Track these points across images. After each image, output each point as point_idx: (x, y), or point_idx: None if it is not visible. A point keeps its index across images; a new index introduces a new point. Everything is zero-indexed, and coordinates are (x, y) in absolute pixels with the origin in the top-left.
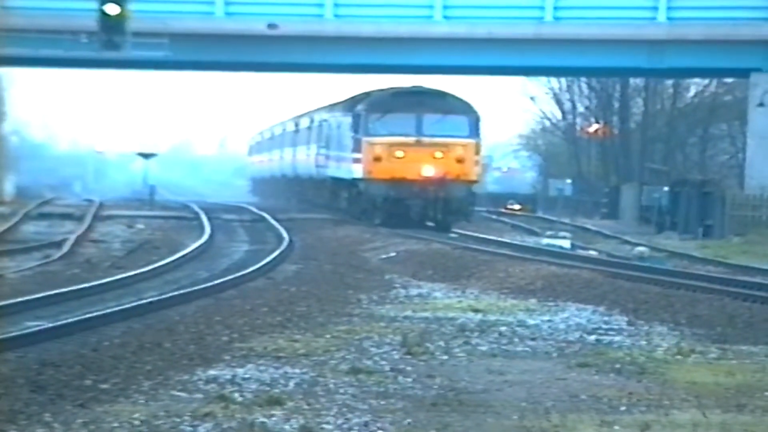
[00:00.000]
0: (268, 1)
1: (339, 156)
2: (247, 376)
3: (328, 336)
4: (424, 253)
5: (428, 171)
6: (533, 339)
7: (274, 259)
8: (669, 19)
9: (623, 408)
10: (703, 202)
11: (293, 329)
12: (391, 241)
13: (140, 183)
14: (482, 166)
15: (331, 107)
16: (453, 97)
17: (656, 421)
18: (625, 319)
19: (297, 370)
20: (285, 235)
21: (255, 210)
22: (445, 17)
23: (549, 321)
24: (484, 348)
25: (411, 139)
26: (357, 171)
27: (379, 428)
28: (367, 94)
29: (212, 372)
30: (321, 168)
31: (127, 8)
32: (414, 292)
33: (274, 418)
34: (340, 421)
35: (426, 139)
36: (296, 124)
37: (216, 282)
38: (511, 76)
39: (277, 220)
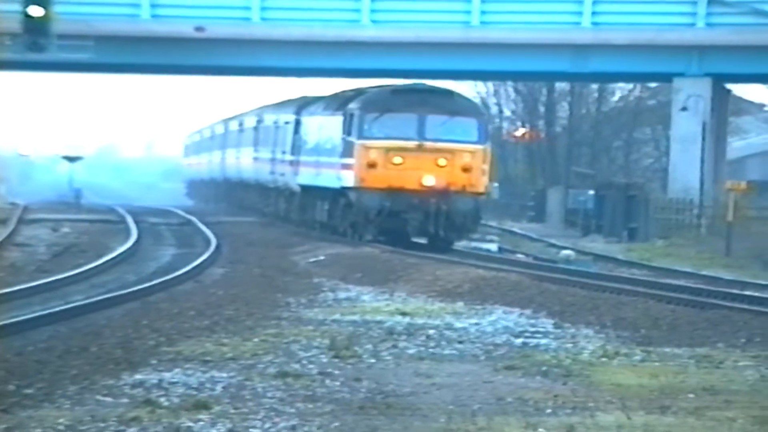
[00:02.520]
0: (195, 4)
1: (318, 161)
2: (173, 380)
3: (255, 339)
4: (353, 256)
5: (430, 180)
6: (460, 342)
7: (202, 262)
8: (594, 23)
9: (549, 410)
10: (628, 205)
11: (221, 333)
12: (319, 245)
13: (66, 186)
14: (490, 175)
15: (302, 106)
16: (460, 96)
17: (581, 423)
18: (552, 321)
19: (224, 374)
20: (213, 238)
21: (182, 213)
22: (373, 21)
23: (476, 324)
24: (411, 351)
25: (411, 144)
26: (347, 179)
27: None
28: (359, 91)
29: (139, 376)
30: (279, 175)
31: (52, 10)
32: (342, 295)
33: (200, 423)
34: (267, 425)
35: (429, 144)
36: (240, 124)
37: (143, 286)
38: (438, 79)
39: (205, 224)
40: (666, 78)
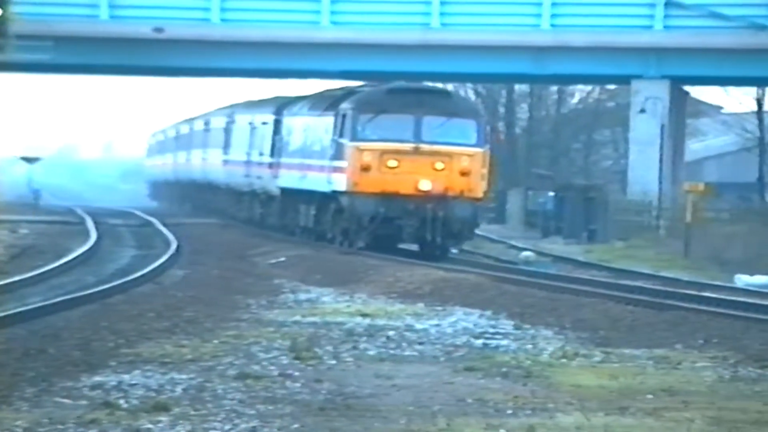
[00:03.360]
0: (155, 5)
1: (304, 164)
2: (133, 382)
3: (215, 341)
4: (313, 257)
5: (426, 185)
6: (421, 343)
7: (162, 264)
8: (553, 26)
9: (509, 411)
10: (587, 207)
11: (181, 334)
12: (280, 246)
13: (24, 187)
14: (489, 180)
15: (283, 106)
16: (458, 97)
17: (541, 424)
18: (512, 323)
19: (184, 376)
20: (173, 240)
21: (142, 215)
22: (333, 23)
23: (437, 325)
24: (372, 352)
25: (407, 146)
26: (338, 182)
27: None
28: (350, 91)
29: (98, 378)
30: (256, 178)
31: (10, 10)
32: (303, 296)
33: (160, 425)
34: (227, 427)
35: (425, 147)
36: (206, 123)
37: (102, 287)
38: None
39: (165, 225)
40: (624, 80)
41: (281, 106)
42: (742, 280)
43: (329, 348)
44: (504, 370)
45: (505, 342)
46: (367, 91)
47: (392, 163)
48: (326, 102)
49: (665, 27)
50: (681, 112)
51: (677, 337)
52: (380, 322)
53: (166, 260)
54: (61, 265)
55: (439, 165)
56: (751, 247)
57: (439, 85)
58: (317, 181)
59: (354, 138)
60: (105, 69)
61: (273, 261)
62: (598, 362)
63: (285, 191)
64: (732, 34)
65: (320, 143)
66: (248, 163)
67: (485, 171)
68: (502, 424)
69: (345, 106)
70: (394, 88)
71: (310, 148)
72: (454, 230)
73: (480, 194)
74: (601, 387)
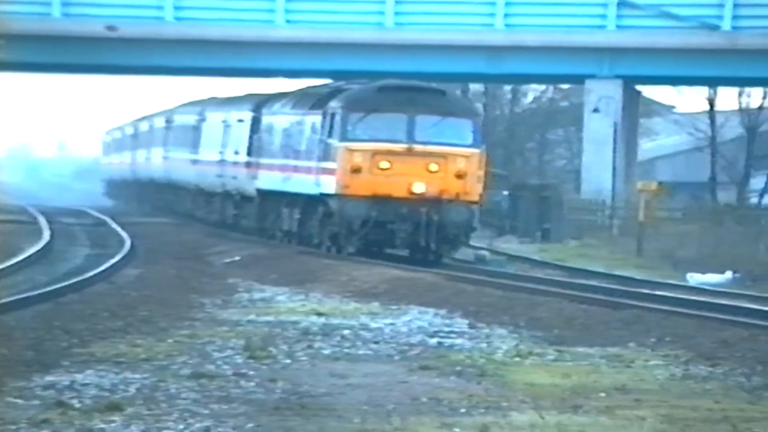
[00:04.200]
0: (107, 3)
1: (287, 165)
2: (86, 381)
3: (170, 340)
4: (269, 257)
5: (420, 188)
6: (376, 342)
7: (116, 263)
8: (507, 25)
9: (463, 410)
10: (542, 206)
11: (135, 334)
12: (235, 245)
13: None
14: (485, 182)
15: (262, 103)
16: (453, 95)
17: (495, 423)
18: (466, 321)
19: (138, 375)
20: (127, 239)
21: (97, 214)
22: (288, 21)
23: (391, 324)
24: (327, 351)
25: (400, 147)
26: (327, 185)
27: None
28: (338, 89)
29: (50, 378)
30: (231, 178)
31: None
32: (258, 296)
33: (113, 424)
34: (181, 426)
35: (419, 147)
36: (168, 121)
37: (55, 286)
38: (353, 79)
39: (120, 224)
40: (578, 80)
41: (259, 103)
42: (695, 278)
43: (284, 347)
44: (458, 368)
45: (459, 341)
46: (357, 89)
47: (384, 164)
48: (311, 100)
49: (618, 27)
50: (634, 112)
51: (630, 335)
52: (335, 321)
53: (121, 259)
54: (12, 265)
55: (434, 167)
56: (704, 246)
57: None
58: (303, 183)
59: (344, 138)
60: (58, 67)
61: (228, 260)
62: (552, 361)
63: (264, 193)
64: (684, 34)
65: (306, 143)
66: (222, 162)
67: (481, 173)
68: (457, 422)
69: (333, 104)
70: (386, 86)
71: (294, 148)
72: (449, 235)
73: (476, 197)
74: (555, 385)
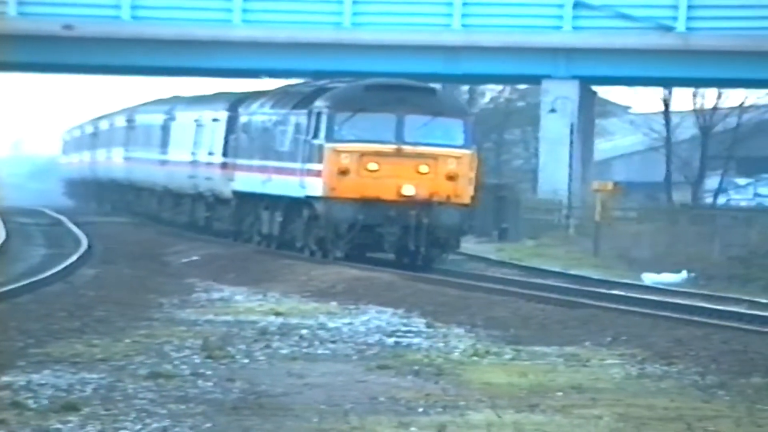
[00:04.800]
0: (64, 2)
1: (267, 166)
2: (42, 382)
3: (127, 340)
4: (226, 256)
5: (410, 190)
6: (333, 342)
7: (73, 263)
8: (464, 26)
9: (420, 409)
10: (499, 205)
11: (91, 334)
12: (193, 245)
13: None
14: (478, 185)
15: (238, 101)
16: (443, 94)
17: (452, 422)
18: (424, 321)
19: (95, 375)
20: (84, 239)
21: (53, 213)
22: (245, 21)
23: (349, 324)
24: (285, 351)
25: (389, 147)
26: (312, 187)
27: None
28: (322, 88)
29: (6, 378)
30: (205, 179)
31: None
32: (216, 295)
33: (70, 425)
34: (138, 427)
35: (408, 148)
36: (130, 120)
37: (11, 287)
38: (311, 79)
39: (76, 224)
40: (534, 80)
41: (236, 102)
42: (649, 278)
43: (242, 347)
44: (416, 368)
45: (417, 340)
46: (343, 88)
47: (372, 166)
48: (294, 99)
49: (574, 28)
50: (590, 112)
51: (586, 334)
52: (293, 320)
53: (77, 259)
54: None
55: (424, 168)
56: (659, 245)
57: None
58: (286, 186)
59: (330, 139)
60: (13, 66)
61: (186, 260)
62: (509, 360)
63: (241, 195)
64: (639, 35)
65: (289, 144)
66: (195, 163)
67: (473, 174)
68: (414, 422)
69: (319, 103)
70: (373, 85)
71: (275, 148)
72: (439, 239)
73: (467, 200)
74: (512, 384)
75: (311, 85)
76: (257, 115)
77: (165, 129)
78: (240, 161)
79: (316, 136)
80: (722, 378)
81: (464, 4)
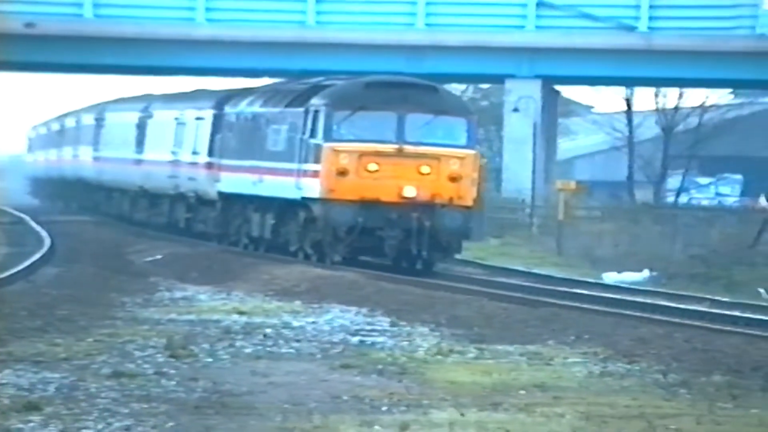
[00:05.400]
0: (26, 0)
1: (257, 167)
2: (3, 381)
3: (90, 339)
4: (190, 255)
5: (411, 191)
6: (297, 341)
7: (35, 261)
8: (427, 25)
9: (384, 408)
10: None
11: (54, 333)
12: (156, 244)
13: None
14: (480, 185)
15: (224, 99)
16: (445, 92)
17: (415, 421)
18: (388, 320)
19: (57, 375)
20: (46, 237)
21: (14, 212)
22: (208, 20)
23: (313, 323)
24: (248, 350)
25: (390, 147)
26: (310, 188)
27: None
28: (317, 85)
29: None
30: (188, 179)
31: None
32: (179, 294)
33: (31, 424)
34: (100, 426)
35: (410, 148)
36: (100, 119)
37: None
38: (274, 78)
39: (38, 223)
40: (498, 79)
41: (221, 100)
42: (612, 277)
43: (205, 346)
44: (380, 367)
45: (381, 339)
46: (342, 85)
47: (372, 166)
48: (288, 97)
49: (537, 27)
50: (553, 112)
51: (549, 333)
52: (257, 319)
53: (39, 258)
54: None
55: (426, 169)
56: (621, 244)
57: None
58: (280, 187)
59: (329, 138)
60: None
61: (149, 259)
62: (473, 359)
63: (227, 196)
64: (602, 35)
65: (283, 143)
66: (176, 162)
67: (476, 175)
68: (377, 420)
69: (316, 101)
70: (373, 82)
71: (267, 148)
72: (442, 242)
73: (470, 202)
74: (475, 383)
75: (304, 82)
76: (246, 113)
77: (140, 127)
78: (227, 161)
79: (313, 135)
80: (684, 376)
81: (428, 3)
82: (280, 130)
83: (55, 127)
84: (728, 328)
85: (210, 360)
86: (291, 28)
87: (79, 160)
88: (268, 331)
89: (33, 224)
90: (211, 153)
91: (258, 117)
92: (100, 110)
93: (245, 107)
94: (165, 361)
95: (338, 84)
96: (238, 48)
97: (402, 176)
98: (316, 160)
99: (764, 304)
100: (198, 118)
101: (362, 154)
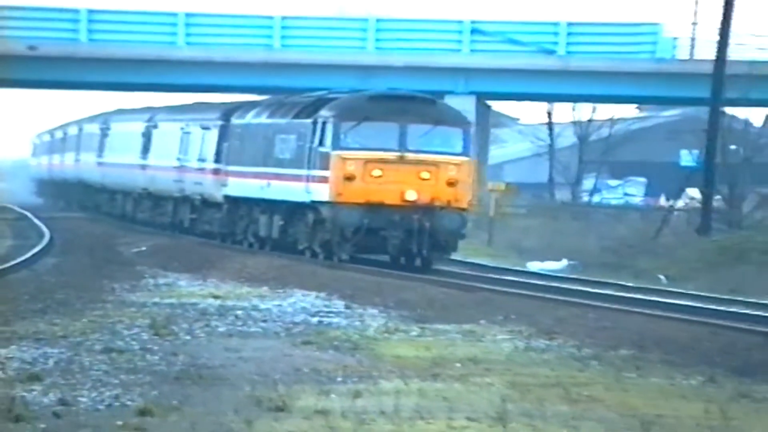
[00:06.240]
0: (29, 26)
1: (265, 173)
2: (9, 356)
3: (84, 320)
4: (172, 247)
5: (412, 195)
6: (265, 321)
7: (36, 253)
8: (377, 48)
9: (339, 379)
10: None
11: (53, 314)
12: (141, 237)
13: None
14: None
15: (230, 111)
16: (442, 104)
17: (366, 390)
18: (343, 303)
19: (56, 350)
20: (47, 231)
21: (19, 209)
22: (188, 43)
23: (278, 305)
24: (222, 329)
25: (392, 155)
26: (319, 192)
27: (128, 400)
28: (324, 99)
29: None
30: (194, 184)
31: None
32: (162, 281)
33: (34, 393)
34: (93, 394)
35: (411, 155)
36: (105, 128)
37: None
38: (244, 94)
39: (39, 219)
40: (438, 95)
41: (228, 111)
42: (535, 266)
43: (184, 325)
44: (336, 343)
45: (337, 319)
46: (348, 98)
47: (377, 172)
48: (295, 109)
49: (471, 50)
50: (485, 123)
51: (482, 314)
52: (230, 303)
53: (40, 250)
54: None
55: (425, 174)
56: (543, 237)
57: None
58: (288, 191)
59: (337, 147)
60: None
61: (136, 250)
62: (416, 336)
63: (233, 199)
64: (526, 58)
65: (291, 151)
66: (182, 168)
67: (471, 180)
68: (333, 389)
69: (325, 113)
70: (377, 95)
71: (275, 156)
72: (440, 242)
73: (466, 205)
74: (418, 357)
75: (309, 96)
76: (253, 124)
77: (146, 136)
78: (234, 167)
79: (322, 144)
80: (595, 350)
81: (377, 30)
82: (288, 139)
83: (59, 134)
84: (633, 309)
85: (188, 338)
86: (259, 51)
87: (81, 164)
88: (239, 312)
89: (35, 220)
90: (218, 160)
91: (265, 127)
92: (104, 120)
93: (252, 118)
94: (149, 339)
95: (343, 97)
96: (213, 67)
97: (404, 181)
98: (325, 167)
99: (663, 288)
100: (204, 128)
101: (367, 161)
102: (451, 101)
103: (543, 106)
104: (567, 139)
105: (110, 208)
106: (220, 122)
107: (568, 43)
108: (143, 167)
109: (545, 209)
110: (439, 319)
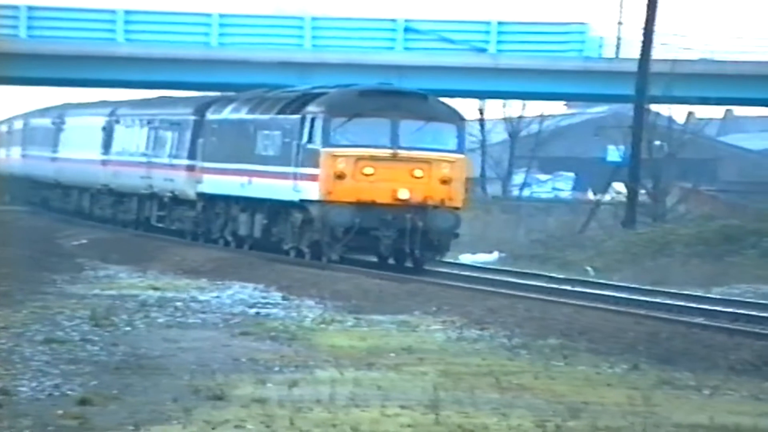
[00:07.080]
0: None
1: (246, 170)
2: None
3: (25, 311)
4: (112, 240)
5: (405, 194)
6: (203, 312)
7: None
8: (314, 46)
9: (276, 369)
10: None
11: None
12: (82, 230)
13: None
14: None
15: (205, 105)
16: (435, 100)
17: (303, 379)
18: (280, 295)
19: None
20: None
21: None
22: (127, 40)
23: (217, 297)
24: (161, 320)
25: (384, 152)
26: (308, 191)
27: (69, 389)
28: (311, 94)
29: None
30: (165, 180)
31: None
32: (102, 273)
33: None
34: (34, 384)
35: (403, 153)
36: (60, 122)
37: None
38: (184, 90)
39: None
40: None
41: (202, 106)
42: (467, 258)
43: (125, 317)
44: (273, 334)
45: (274, 311)
46: (337, 93)
47: (368, 170)
48: (278, 104)
49: (405, 48)
50: None
51: (416, 305)
52: (169, 294)
53: None
54: None
55: (418, 172)
56: (475, 230)
57: None
58: (272, 189)
59: (326, 144)
60: None
61: (76, 243)
62: (351, 326)
63: (209, 197)
64: (458, 56)
65: (276, 148)
66: (149, 164)
67: (465, 178)
68: (270, 378)
69: (313, 108)
70: (367, 90)
71: (256, 152)
72: (433, 241)
73: (460, 203)
74: (353, 347)
75: (293, 90)
76: (232, 119)
77: (107, 131)
78: (210, 164)
79: (311, 140)
80: (525, 340)
81: (314, 27)
82: (273, 135)
83: (3, 128)
84: (561, 300)
85: (128, 329)
86: (197, 48)
87: (30, 159)
88: (178, 304)
89: None
90: (192, 156)
91: (246, 123)
92: (59, 114)
93: (230, 114)
94: (90, 330)
95: (333, 92)
96: (152, 64)
97: (396, 179)
98: (314, 165)
99: (590, 279)
100: (175, 123)
101: (358, 159)
102: None
103: (475, 103)
104: (498, 135)
105: (63, 204)
106: (193, 117)
107: (499, 42)
108: (104, 163)
109: (477, 203)
110: (373, 310)
